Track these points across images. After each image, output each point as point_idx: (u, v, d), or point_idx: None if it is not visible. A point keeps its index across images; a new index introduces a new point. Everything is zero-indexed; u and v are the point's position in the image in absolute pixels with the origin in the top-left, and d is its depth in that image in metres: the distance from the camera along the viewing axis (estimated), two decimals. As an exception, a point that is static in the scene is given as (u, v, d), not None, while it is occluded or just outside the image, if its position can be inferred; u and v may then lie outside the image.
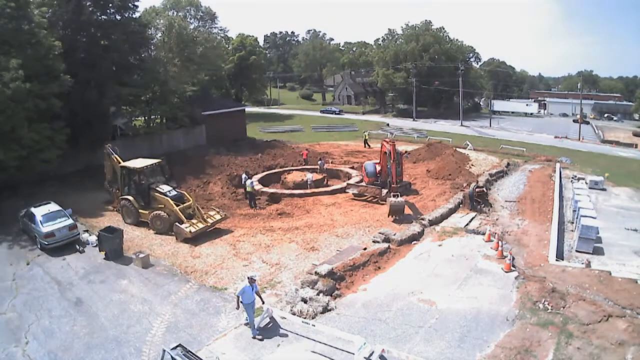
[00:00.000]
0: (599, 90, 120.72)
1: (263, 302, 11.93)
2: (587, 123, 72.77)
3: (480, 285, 14.03)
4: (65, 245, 17.01)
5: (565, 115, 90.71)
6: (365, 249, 16.48)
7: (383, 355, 10.24)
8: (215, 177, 28.06)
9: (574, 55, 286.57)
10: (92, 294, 13.81)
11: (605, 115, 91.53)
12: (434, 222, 19.50)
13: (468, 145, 41.17)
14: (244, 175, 25.87)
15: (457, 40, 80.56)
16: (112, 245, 16.24)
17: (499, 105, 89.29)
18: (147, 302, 13.24)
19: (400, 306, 12.74)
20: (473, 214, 21.03)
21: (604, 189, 27.81)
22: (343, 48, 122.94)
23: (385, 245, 16.78)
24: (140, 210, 19.46)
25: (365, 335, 11.08)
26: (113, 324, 12.13)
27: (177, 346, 9.40)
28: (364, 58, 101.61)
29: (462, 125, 63.55)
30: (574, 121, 72.32)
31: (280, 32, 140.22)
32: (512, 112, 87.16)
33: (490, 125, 64.54)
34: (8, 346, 11.22)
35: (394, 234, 17.64)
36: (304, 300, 12.75)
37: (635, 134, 64.87)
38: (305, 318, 11.84)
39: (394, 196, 20.35)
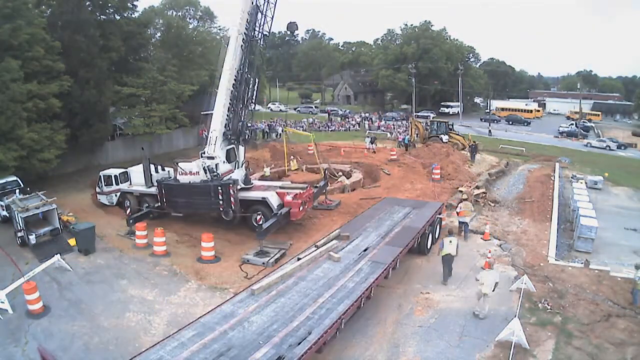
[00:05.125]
0: (598, 89, 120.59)
1: None
2: (588, 121, 72.58)
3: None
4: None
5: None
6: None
7: None
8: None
9: (574, 54, 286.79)
10: (92, 294, 13.82)
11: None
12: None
13: (467, 144, 41.12)
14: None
15: (456, 40, 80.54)
16: (84, 240, 16.45)
17: (497, 105, 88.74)
18: (147, 302, 13.24)
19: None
20: (472, 213, 20.97)
21: (601, 189, 27.81)
22: (342, 48, 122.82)
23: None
24: None
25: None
26: (113, 324, 12.13)
27: None
28: (363, 58, 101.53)
29: (461, 124, 63.50)
30: (573, 120, 72.24)
31: (279, 32, 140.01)
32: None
33: (490, 125, 64.48)
34: (8, 346, 11.20)
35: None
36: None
37: (635, 134, 64.88)
38: None
39: None
